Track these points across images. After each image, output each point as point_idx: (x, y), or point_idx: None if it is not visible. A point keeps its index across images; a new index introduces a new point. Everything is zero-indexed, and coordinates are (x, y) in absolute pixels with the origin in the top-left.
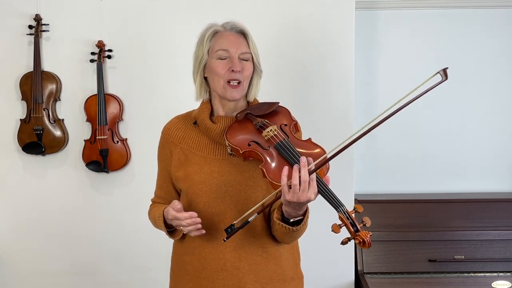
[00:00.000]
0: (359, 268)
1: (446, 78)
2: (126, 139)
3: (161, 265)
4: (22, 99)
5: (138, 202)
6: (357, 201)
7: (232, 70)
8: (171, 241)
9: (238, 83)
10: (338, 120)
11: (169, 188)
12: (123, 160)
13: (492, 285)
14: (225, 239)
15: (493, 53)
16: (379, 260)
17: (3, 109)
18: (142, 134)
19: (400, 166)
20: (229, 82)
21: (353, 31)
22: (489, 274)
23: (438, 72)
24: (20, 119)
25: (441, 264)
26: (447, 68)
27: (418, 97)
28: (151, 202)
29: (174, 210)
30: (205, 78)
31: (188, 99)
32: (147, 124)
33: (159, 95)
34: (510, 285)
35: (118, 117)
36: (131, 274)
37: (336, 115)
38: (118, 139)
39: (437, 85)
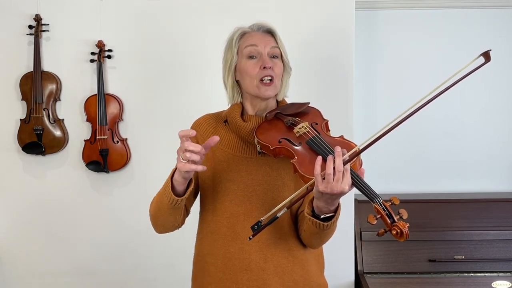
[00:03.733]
0: (359, 268)
1: (489, 60)
2: (126, 139)
3: (160, 265)
4: (22, 99)
5: (138, 202)
6: (357, 202)
7: (264, 67)
8: (171, 241)
9: (270, 80)
10: (338, 120)
11: None
12: (123, 160)
13: (492, 285)
14: (251, 237)
15: (493, 53)
16: (379, 260)
17: (3, 109)
18: (142, 134)
19: (400, 166)
20: (262, 80)
21: (353, 31)
22: (489, 274)
23: (480, 55)
24: (20, 119)
25: (441, 264)
26: (490, 50)
27: (459, 80)
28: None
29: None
30: (237, 82)
31: (188, 99)
32: (147, 124)
33: (159, 95)
34: (510, 285)
35: (118, 117)
36: (131, 274)
37: (336, 115)
38: (118, 139)
39: (479, 68)
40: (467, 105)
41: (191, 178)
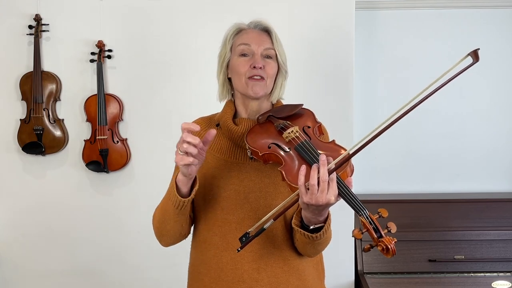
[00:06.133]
0: (359, 268)
1: (477, 60)
2: (126, 139)
3: (161, 265)
4: (22, 99)
5: (138, 202)
6: None
7: (254, 67)
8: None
9: (260, 78)
10: (338, 120)
11: None
12: (123, 160)
13: (492, 285)
14: (239, 249)
15: (493, 53)
16: (379, 260)
17: (3, 109)
18: (142, 134)
19: (400, 166)
20: (250, 78)
21: (353, 31)
22: (489, 274)
23: (468, 54)
24: (20, 119)
25: (441, 264)
26: (478, 49)
27: (447, 82)
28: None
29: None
30: (229, 79)
31: (188, 99)
32: (147, 124)
33: (159, 95)
34: (510, 285)
35: (118, 117)
36: (131, 274)
37: (336, 115)
38: (118, 139)
39: (467, 68)
40: (467, 105)
41: (195, 178)
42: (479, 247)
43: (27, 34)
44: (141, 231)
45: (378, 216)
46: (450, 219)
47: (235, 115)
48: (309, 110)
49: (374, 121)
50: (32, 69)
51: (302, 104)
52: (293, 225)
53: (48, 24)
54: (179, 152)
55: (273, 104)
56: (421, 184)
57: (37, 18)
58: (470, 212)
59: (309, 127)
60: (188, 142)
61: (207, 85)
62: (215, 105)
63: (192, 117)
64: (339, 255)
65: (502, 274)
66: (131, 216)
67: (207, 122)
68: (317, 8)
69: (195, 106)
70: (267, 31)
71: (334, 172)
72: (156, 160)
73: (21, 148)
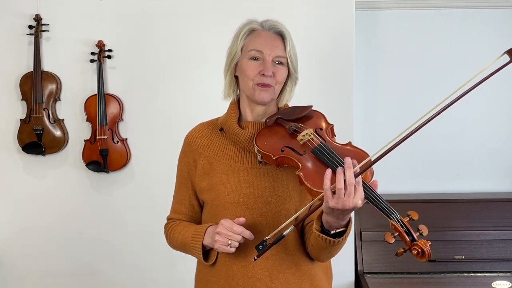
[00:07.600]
0: (359, 268)
1: None
2: (126, 139)
3: (160, 265)
4: (22, 99)
5: (138, 202)
6: None
7: (263, 74)
8: None
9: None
10: (338, 121)
11: (192, 202)
12: (123, 160)
13: (492, 285)
14: (255, 258)
15: (493, 53)
16: (379, 260)
17: (3, 109)
18: (142, 134)
19: (400, 166)
20: (258, 84)
21: (353, 31)
22: (489, 274)
23: (505, 52)
24: (20, 119)
25: (441, 264)
26: None
27: (483, 81)
28: (166, 221)
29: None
30: (236, 77)
31: (188, 99)
32: (147, 124)
33: (159, 95)
34: (510, 285)
35: (118, 117)
36: (131, 274)
37: (336, 116)
38: (118, 139)
39: (503, 67)
40: (467, 105)
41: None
42: (479, 247)
43: (27, 34)
44: (141, 231)
45: (408, 218)
46: (450, 219)
47: (240, 118)
48: (319, 112)
49: (374, 121)
50: (32, 69)
51: (311, 106)
52: (314, 230)
53: (48, 24)
54: (228, 241)
55: (279, 108)
56: (421, 184)
57: (37, 18)
58: (470, 212)
59: (321, 129)
60: (243, 237)
61: (207, 85)
62: (215, 105)
63: (192, 117)
64: (339, 255)
65: (502, 274)
66: (131, 216)
67: (210, 127)
68: (317, 8)
69: (195, 106)
70: (281, 35)
71: (360, 175)
72: (156, 160)
73: (21, 148)
